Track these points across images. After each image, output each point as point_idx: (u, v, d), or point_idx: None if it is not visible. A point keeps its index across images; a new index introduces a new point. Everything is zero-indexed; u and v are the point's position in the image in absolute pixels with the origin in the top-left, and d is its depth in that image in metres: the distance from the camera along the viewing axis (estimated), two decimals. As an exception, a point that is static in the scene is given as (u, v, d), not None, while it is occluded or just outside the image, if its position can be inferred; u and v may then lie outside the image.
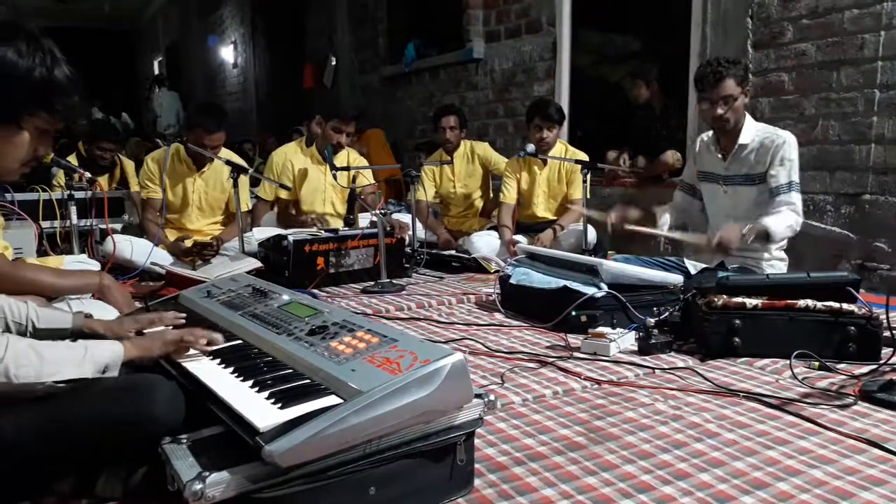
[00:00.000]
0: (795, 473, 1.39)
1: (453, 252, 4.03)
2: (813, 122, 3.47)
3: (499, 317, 2.75)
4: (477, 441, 1.41)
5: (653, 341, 2.21)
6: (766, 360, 2.10)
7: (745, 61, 2.74)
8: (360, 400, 1.13)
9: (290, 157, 4.13)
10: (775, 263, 2.83)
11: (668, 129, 4.29)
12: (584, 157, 3.90)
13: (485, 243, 3.96)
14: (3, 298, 1.51)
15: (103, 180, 4.51)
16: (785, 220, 2.64)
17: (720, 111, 2.69)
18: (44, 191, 3.45)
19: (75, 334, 1.52)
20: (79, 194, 3.40)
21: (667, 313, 2.33)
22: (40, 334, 1.50)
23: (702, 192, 3.01)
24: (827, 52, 3.38)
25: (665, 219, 3.01)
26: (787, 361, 1.99)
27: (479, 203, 4.60)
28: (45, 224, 3.36)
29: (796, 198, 2.69)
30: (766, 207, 2.74)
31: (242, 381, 1.31)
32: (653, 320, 2.26)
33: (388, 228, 3.41)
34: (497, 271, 3.46)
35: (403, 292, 3.20)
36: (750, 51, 3.70)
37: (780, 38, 3.58)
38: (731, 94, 2.66)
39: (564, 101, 4.82)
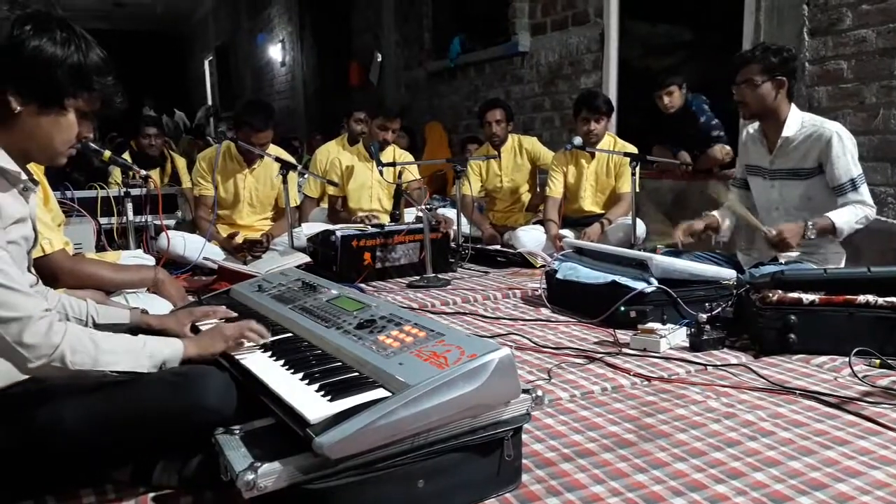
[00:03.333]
0: (855, 474, 1.35)
1: (498, 247, 4.02)
2: (874, 111, 3.33)
3: (545, 312, 2.73)
4: (524, 437, 1.40)
5: (705, 337, 2.16)
6: (824, 358, 2.04)
7: (790, 52, 2.64)
8: (407, 393, 1.13)
9: (336, 154, 4.18)
10: (831, 258, 2.74)
11: (696, 128, 4.18)
12: (632, 149, 3.83)
13: (530, 238, 3.94)
14: (64, 297, 1.57)
15: (154, 174, 4.65)
16: (852, 214, 2.56)
17: (736, 95, 2.68)
18: (101, 188, 3.57)
19: (132, 330, 1.57)
20: (134, 191, 3.50)
21: (719, 309, 2.28)
22: (100, 330, 1.55)
23: (750, 185, 2.93)
24: (888, 38, 3.25)
25: (727, 223, 2.95)
26: (846, 359, 1.93)
27: (525, 197, 4.57)
28: (103, 220, 3.47)
29: (864, 192, 2.60)
30: (819, 202, 2.66)
31: (293, 373, 1.33)
32: (705, 316, 2.21)
33: (434, 223, 3.42)
34: (543, 266, 3.43)
35: (448, 287, 3.20)
36: (806, 38, 3.58)
37: (839, 24, 3.45)
38: (750, 78, 2.63)
39: (612, 94, 4.75)
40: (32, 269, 1.41)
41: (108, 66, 1.31)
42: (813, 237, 2.56)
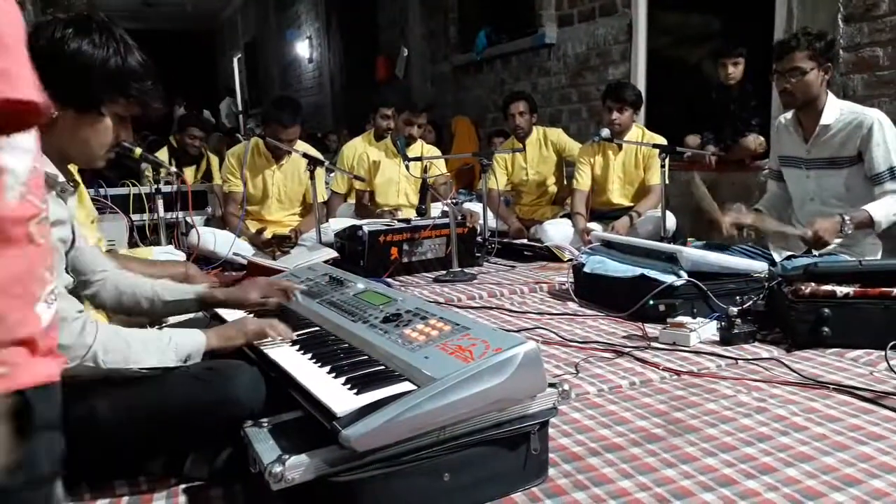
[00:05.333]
0: (891, 470, 1.32)
1: (525, 241, 4.00)
2: (911, 99, 3.25)
3: (572, 306, 2.72)
4: (551, 431, 1.39)
5: (735, 331, 2.13)
6: (859, 352, 1.99)
7: (831, 36, 2.57)
8: (433, 387, 1.13)
9: (364, 149, 4.20)
10: (868, 249, 2.68)
11: (748, 111, 4.10)
12: (661, 140, 3.78)
13: (557, 231, 3.92)
14: (133, 278, 1.62)
15: (191, 171, 4.73)
16: (890, 206, 2.49)
17: (784, 84, 2.58)
18: (134, 185, 3.63)
19: (199, 303, 1.62)
20: (165, 188, 3.56)
21: (750, 302, 2.25)
22: (169, 307, 1.61)
23: (784, 176, 2.87)
24: (927, 23, 3.16)
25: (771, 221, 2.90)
26: (882, 353, 1.89)
27: (552, 190, 4.54)
28: (135, 217, 3.53)
29: None
30: (857, 193, 2.59)
31: (320, 366, 1.34)
32: (735, 309, 2.17)
33: (460, 218, 3.42)
34: (570, 260, 3.41)
35: (475, 281, 3.20)
36: (841, 25, 3.49)
37: (875, 10, 3.36)
38: (798, 66, 2.54)
39: (641, 85, 4.69)
40: (69, 270, 1.42)
41: (147, 70, 1.29)
42: (850, 232, 2.49)
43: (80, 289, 1.50)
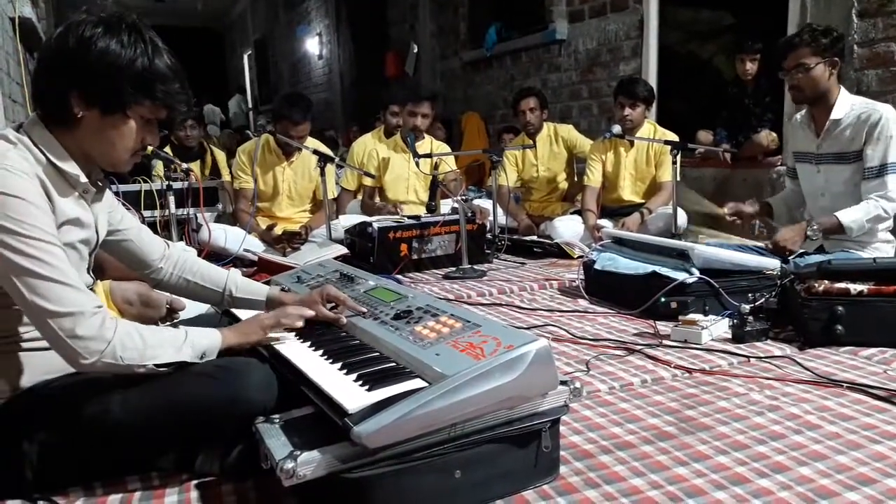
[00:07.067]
0: (907, 470, 1.31)
1: (535, 237, 3.99)
2: (926, 95, 3.22)
3: (583, 303, 2.71)
4: (562, 428, 1.39)
5: (748, 328, 2.12)
6: (873, 350, 1.98)
7: (838, 31, 2.56)
8: (444, 384, 1.13)
9: (374, 146, 4.20)
10: (880, 247, 2.65)
11: (762, 107, 4.08)
12: (673, 137, 3.76)
13: (568, 228, 3.90)
14: (202, 262, 1.67)
15: (195, 167, 4.72)
16: (863, 212, 2.48)
17: (791, 80, 2.60)
18: (145, 182, 3.64)
19: (269, 304, 1.65)
20: (176, 185, 3.57)
21: (763, 299, 2.23)
22: (237, 302, 1.66)
23: (798, 172, 2.86)
24: (943, 17, 3.13)
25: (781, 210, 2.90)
26: (897, 351, 1.87)
27: (563, 187, 4.53)
28: (147, 213, 3.55)
29: (891, 182, 2.50)
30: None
31: (331, 363, 1.35)
32: (748, 307, 2.16)
33: (469, 214, 3.41)
34: (580, 257, 3.40)
35: (485, 278, 3.19)
36: (855, 20, 3.46)
37: (889, 5, 3.33)
38: (801, 62, 2.54)
39: (653, 81, 4.66)
40: (91, 272, 1.42)
41: (175, 73, 1.27)
42: (816, 238, 2.52)
43: (143, 272, 1.61)
